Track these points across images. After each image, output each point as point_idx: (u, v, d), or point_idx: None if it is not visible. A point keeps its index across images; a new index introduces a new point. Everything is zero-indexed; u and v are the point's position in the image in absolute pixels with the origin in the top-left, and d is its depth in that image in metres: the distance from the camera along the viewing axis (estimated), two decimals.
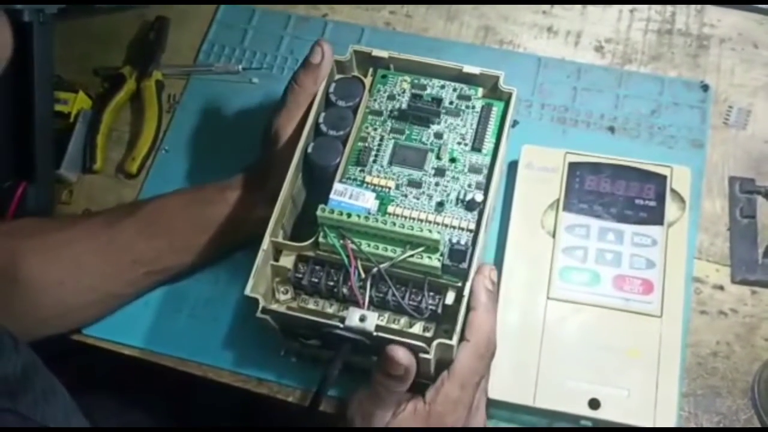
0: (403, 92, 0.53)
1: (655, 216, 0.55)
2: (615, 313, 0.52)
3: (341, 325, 0.45)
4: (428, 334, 0.48)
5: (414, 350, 0.45)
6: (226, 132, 0.65)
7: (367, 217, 0.47)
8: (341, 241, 0.47)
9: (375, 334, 0.45)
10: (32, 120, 0.59)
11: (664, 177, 0.56)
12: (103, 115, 0.65)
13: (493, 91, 0.53)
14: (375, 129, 0.52)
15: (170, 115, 0.66)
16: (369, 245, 0.47)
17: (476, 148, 0.51)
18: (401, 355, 0.45)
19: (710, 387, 0.53)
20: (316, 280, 0.48)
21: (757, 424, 0.52)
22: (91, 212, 0.63)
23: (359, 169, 0.51)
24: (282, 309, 0.49)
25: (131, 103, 0.67)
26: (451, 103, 0.53)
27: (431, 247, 0.46)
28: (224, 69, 0.67)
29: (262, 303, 0.47)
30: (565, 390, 0.51)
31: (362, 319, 0.45)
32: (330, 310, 0.49)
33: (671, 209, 0.55)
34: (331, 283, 0.48)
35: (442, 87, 0.53)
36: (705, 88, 0.63)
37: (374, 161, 0.51)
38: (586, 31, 0.66)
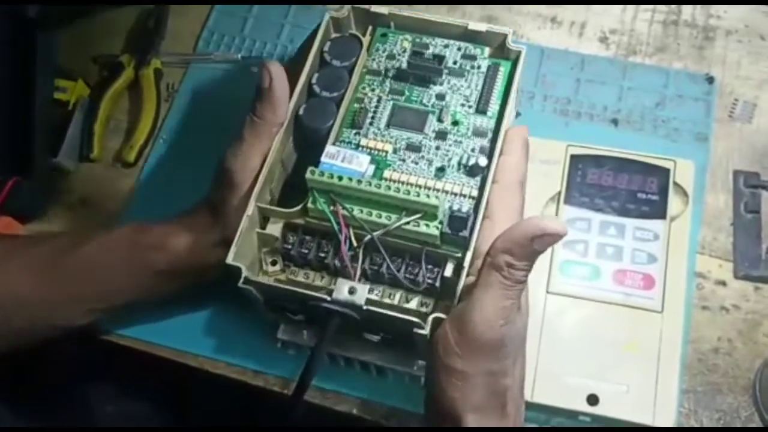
0: (404, 52, 0.50)
1: (657, 210, 0.54)
2: (615, 308, 0.52)
3: (328, 298, 0.42)
4: (425, 310, 0.45)
5: (408, 326, 0.42)
6: (225, 121, 0.64)
7: (359, 181, 0.43)
8: (332, 207, 0.44)
9: (365, 308, 0.42)
10: (32, 114, 0.59)
11: (667, 170, 0.55)
12: (101, 103, 0.64)
13: (501, 50, 0.49)
14: (372, 90, 0.49)
15: (168, 104, 0.65)
16: (362, 211, 0.43)
17: (481, 110, 0.48)
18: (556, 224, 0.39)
19: (711, 384, 0.52)
20: (306, 251, 0.45)
21: (757, 422, 0.51)
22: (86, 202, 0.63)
23: (354, 131, 0.48)
24: (268, 281, 0.45)
25: (129, 91, 0.66)
26: (455, 62, 0.49)
27: (429, 213, 0.43)
28: (224, 58, 0.66)
29: (244, 272, 0.43)
30: (563, 385, 0.50)
31: (351, 291, 0.42)
32: (319, 283, 0.46)
33: (674, 203, 0.54)
34: (322, 255, 0.45)
35: (446, 46, 0.50)
36: (710, 80, 0.62)
37: (371, 123, 0.48)
38: (590, 21, 0.66)
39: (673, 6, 0.65)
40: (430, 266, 0.44)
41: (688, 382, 0.52)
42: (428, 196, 0.43)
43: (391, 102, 0.48)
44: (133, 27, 0.69)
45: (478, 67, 0.49)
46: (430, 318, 0.41)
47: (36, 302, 0.52)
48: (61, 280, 0.52)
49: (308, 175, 0.43)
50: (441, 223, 0.43)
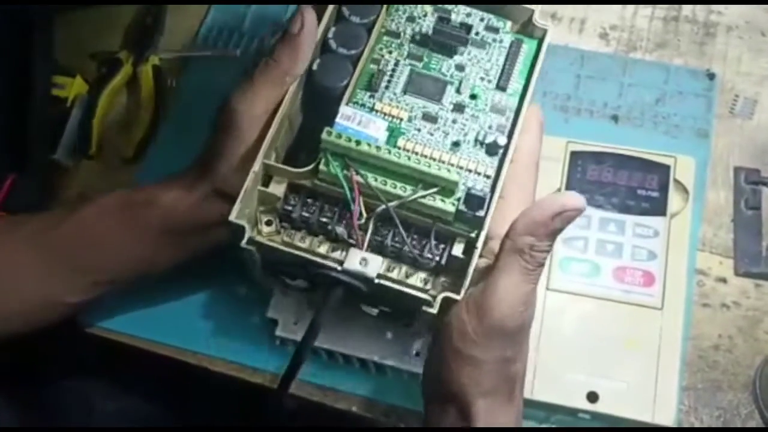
0: (425, 15, 0.47)
1: (657, 207, 0.54)
2: (615, 305, 0.52)
3: (339, 268, 0.41)
4: (428, 287, 0.43)
5: (416, 303, 0.41)
6: None
7: (378, 148, 0.41)
8: (345, 172, 0.41)
9: (376, 281, 0.41)
10: (29, 111, 0.59)
11: (668, 167, 0.55)
12: (99, 99, 0.64)
13: (525, 27, 0.47)
14: (390, 52, 0.46)
15: (167, 100, 0.65)
16: (377, 179, 0.41)
17: (501, 86, 0.46)
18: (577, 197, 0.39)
19: (711, 381, 0.52)
20: (308, 215, 0.43)
21: (758, 419, 0.51)
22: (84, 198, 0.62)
23: (369, 94, 0.45)
24: (265, 241, 0.43)
25: (128, 87, 0.66)
26: (477, 33, 0.47)
27: (447, 189, 0.41)
28: (222, 53, 0.66)
29: (248, 233, 0.41)
30: (563, 382, 0.50)
31: (363, 262, 0.41)
32: (321, 250, 0.43)
33: (674, 200, 0.54)
34: (325, 220, 0.43)
35: (468, 15, 0.47)
36: (711, 76, 0.61)
37: (387, 87, 0.45)
38: (590, 17, 0.65)
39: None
40: (436, 243, 0.43)
41: (688, 379, 0.52)
42: (449, 170, 0.41)
43: (409, 67, 0.46)
44: (132, 23, 0.68)
45: (501, 41, 0.47)
46: (440, 297, 0.40)
47: (33, 278, 0.50)
48: (56, 251, 0.50)
49: (324, 135, 0.41)
50: (458, 199, 0.42)
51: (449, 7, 0.47)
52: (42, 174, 0.62)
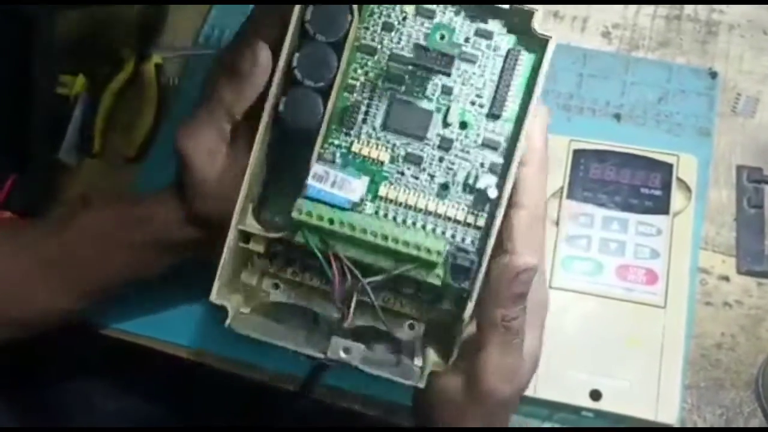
0: (404, 18, 0.40)
1: (660, 205, 0.54)
2: (618, 303, 0.52)
3: (322, 356, 0.39)
4: (416, 356, 0.41)
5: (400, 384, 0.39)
6: None
7: (353, 227, 0.37)
8: (321, 245, 0.38)
9: (360, 367, 0.39)
10: (32, 110, 0.59)
11: (670, 165, 0.55)
12: (102, 98, 0.64)
13: (523, 35, 0.39)
14: (366, 74, 0.40)
15: (169, 99, 0.65)
16: (356, 252, 0.38)
17: (494, 113, 0.39)
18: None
19: (714, 379, 0.52)
20: (294, 271, 0.41)
21: (761, 417, 0.51)
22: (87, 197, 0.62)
23: (344, 131, 0.39)
24: (242, 330, 0.40)
25: (130, 86, 0.66)
26: (466, 39, 0.39)
27: (428, 263, 0.38)
28: None
29: (230, 319, 0.39)
30: (566, 380, 0.50)
31: (347, 350, 0.39)
32: (312, 283, 0.41)
33: (677, 198, 0.54)
34: (309, 276, 0.41)
35: (457, 13, 0.39)
36: (713, 75, 0.62)
37: (364, 121, 0.40)
38: (592, 16, 0.65)
39: None
40: (425, 299, 0.40)
41: (690, 378, 0.52)
42: (429, 251, 0.37)
43: (389, 92, 0.40)
44: (134, 22, 0.69)
45: (495, 49, 0.39)
46: (425, 373, 0.39)
47: (31, 286, 0.51)
48: (54, 260, 0.50)
49: (294, 215, 0.38)
50: (444, 270, 0.38)
51: (432, 7, 0.39)
52: (44, 173, 0.62)
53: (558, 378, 0.50)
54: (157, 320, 0.57)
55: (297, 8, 0.39)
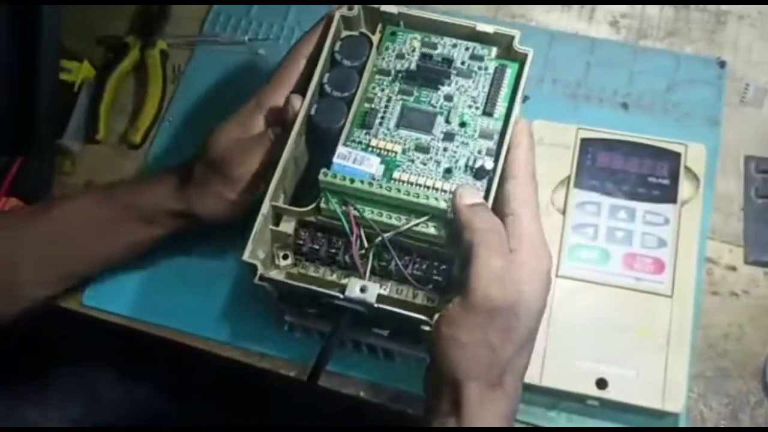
0: (413, 51, 0.51)
1: (668, 194, 0.53)
2: (625, 292, 0.51)
3: (341, 296, 0.44)
4: (432, 305, 0.46)
5: (414, 323, 0.43)
6: (231, 103, 0.63)
7: (371, 183, 0.45)
8: (344, 208, 0.45)
9: (376, 305, 0.44)
10: (37, 95, 0.58)
11: (678, 155, 0.54)
12: (107, 84, 0.64)
13: (508, 51, 0.50)
14: (382, 90, 0.50)
15: (174, 86, 0.65)
16: (372, 212, 0.45)
17: (488, 112, 0.49)
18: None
19: (720, 369, 0.52)
20: (317, 248, 0.47)
21: (767, 407, 0.51)
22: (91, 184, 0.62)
23: (364, 131, 0.49)
24: (281, 276, 0.47)
25: (135, 72, 0.66)
26: (462, 63, 0.50)
27: (437, 216, 0.45)
28: (230, 39, 0.66)
29: (260, 270, 0.45)
30: (572, 369, 0.50)
31: (363, 289, 0.44)
32: (331, 278, 0.48)
33: (685, 187, 0.54)
34: (333, 251, 0.47)
35: (454, 46, 0.51)
36: (722, 64, 0.61)
37: (380, 124, 0.49)
38: (601, 5, 0.65)
39: None
40: (437, 263, 0.46)
41: (697, 367, 0.52)
42: (437, 199, 0.44)
43: (401, 102, 0.50)
44: (139, 8, 0.68)
45: (485, 69, 0.50)
46: (437, 315, 0.43)
47: (11, 267, 0.52)
48: (28, 245, 0.52)
49: (321, 176, 0.45)
50: (448, 225, 0.45)
51: (435, 39, 0.51)
52: (49, 158, 0.61)
53: (564, 366, 0.50)
54: (163, 308, 0.56)
55: (329, 41, 0.50)
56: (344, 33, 0.51)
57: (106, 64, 0.65)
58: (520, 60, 0.50)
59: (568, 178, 0.55)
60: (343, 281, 0.46)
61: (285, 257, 0.49)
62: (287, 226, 0.48)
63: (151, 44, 0.65)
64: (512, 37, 0.49)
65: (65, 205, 0.55)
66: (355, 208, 0.45)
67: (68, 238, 0.53)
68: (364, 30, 0.52)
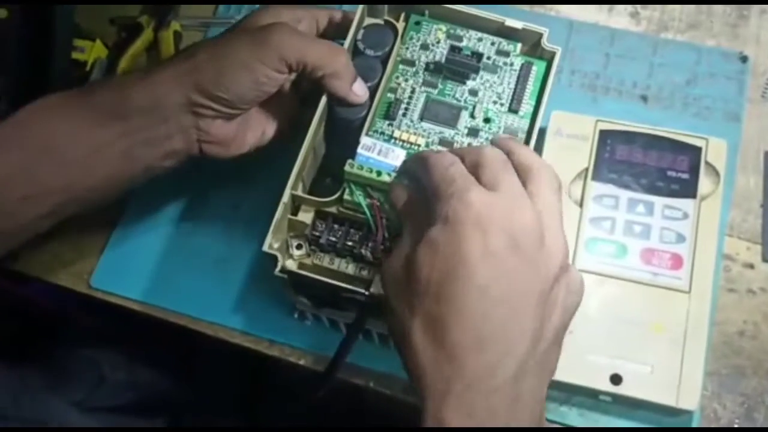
0: (438, 42, 0.50)
1: (687, 189, 0.53)
2: (641, 287, 0.51)
3: (366, 292, 0.44)
4: None
5: None
6: None
7: None
8: (368, 200, 0.45)
9: None
10: (49, 74, 0.58)
11: (699, 149, 0.54)
12: (119, 64, 0.63)
13: (534, 48, 0.50)
14: (406, 80, 0.49)
15: None
16: None
17: (513, 109, 0.48)
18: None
19: (735, 367, 0.51)
20: (335, 239, 0.47)
21: None
22: None
23: (387, 123, 0.48)
24: (295, 266, 0.46)
25: (148, 53, 0.65)
26: (488, 58, 0.50)
27: None
28: None
29: (281, 262, 0.45)
30: (586, 364, 0.49)
31: None
32: (349, 271, 0.47)
33: (704, 183, 0.53)
34: (350, 243, 0.46)
35: (480, 40, 0.50)
36: (744, 59, 0.60)
37: (404, 115, 0.49)
38: None
39: None
40: None
41: (712, 365, 0.51)
42: None
43: (425, 94, 0.49)
44: None
45: (511, 65, 0.49)
46: None
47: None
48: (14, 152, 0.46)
49: (347, 168, 0.44)
50: None
51: (461, 32, 0.50)
52: None
53: (578, 361, 0.49)
54: (169, 291, 0.56)
55: (352, 29, 0.49)
56: (367, 21, 0.50)
57: (119, 44, 0.64)
58: (548, 58, 0.49)
59: (586, 170, 0.54)
60: (362, 273, 0.46)
61: (299, 246, 0.48)
62: (306, 216, 0.47)
63: (164, 25, 0.64)
64: (540, 34, 0.49)
65: (40, 113, 0.47)
66: (380, 201, 0.45)
67: (48, 148, 0.46)
68: (388, 17, 0.51)
